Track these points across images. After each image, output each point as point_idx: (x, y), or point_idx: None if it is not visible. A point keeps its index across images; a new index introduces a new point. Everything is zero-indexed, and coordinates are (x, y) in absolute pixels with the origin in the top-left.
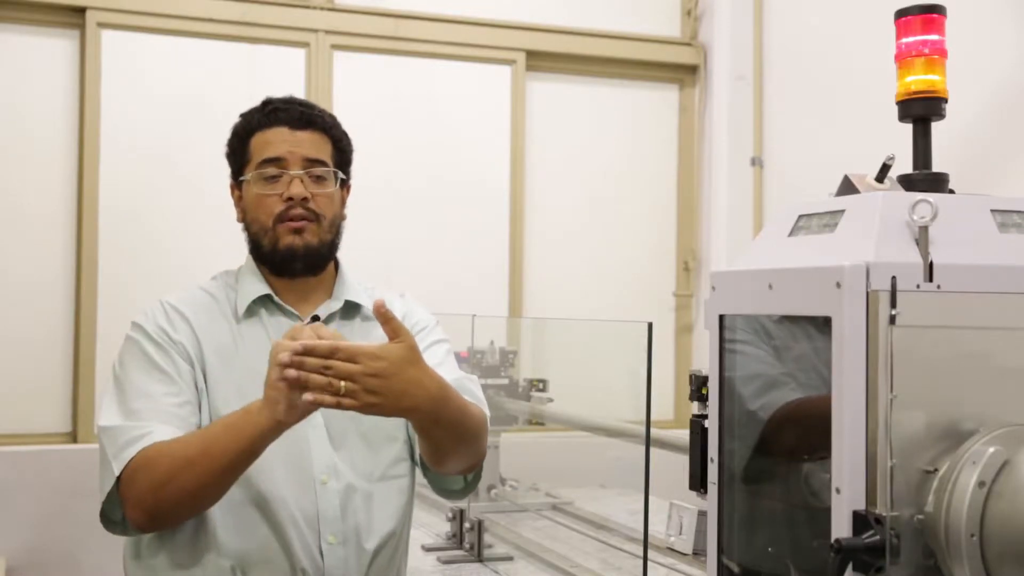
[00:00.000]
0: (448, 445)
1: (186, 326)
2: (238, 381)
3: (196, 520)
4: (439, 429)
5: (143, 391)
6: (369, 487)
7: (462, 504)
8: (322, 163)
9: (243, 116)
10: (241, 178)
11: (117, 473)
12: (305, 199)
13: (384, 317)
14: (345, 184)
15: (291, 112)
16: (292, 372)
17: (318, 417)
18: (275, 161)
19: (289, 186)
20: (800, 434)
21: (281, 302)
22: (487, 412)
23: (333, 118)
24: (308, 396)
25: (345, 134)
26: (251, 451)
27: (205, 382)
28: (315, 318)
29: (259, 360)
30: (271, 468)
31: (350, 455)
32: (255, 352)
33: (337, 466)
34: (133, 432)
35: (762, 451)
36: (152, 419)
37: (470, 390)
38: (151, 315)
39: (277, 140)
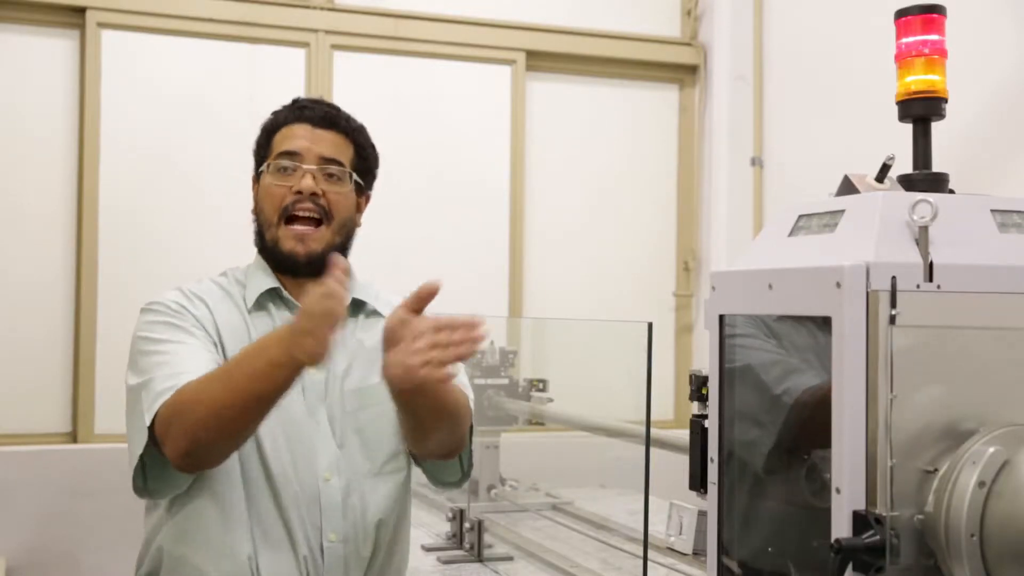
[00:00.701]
0: (429, 419)
1: (204, 307)
2: None
3: (219, 507)
4: (421, 397)
5: (166, 343)
6: (368, 483)
7: (462, 504)
8: (338, 163)
9: (273, 113)
10: (259, 170)
11: (148, 422)
12: (315, 195)
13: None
14: (363, 192)
15: (316, 111)
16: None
17: (321, 414)
18: (291, 155)
19: (301, 180)
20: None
21: (289, 297)
22: (471, 396)
23: (360, 126)
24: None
25: (371, 144)
26: (270, 388)
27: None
28: None
29: None
30: (280, 463)
31: (350, 452)
32: None
33: (340, 463)
34: (164, 383)
35: (788, 437)
36: (179, 365)
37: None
38: (167, 295)
39: (297, 135)
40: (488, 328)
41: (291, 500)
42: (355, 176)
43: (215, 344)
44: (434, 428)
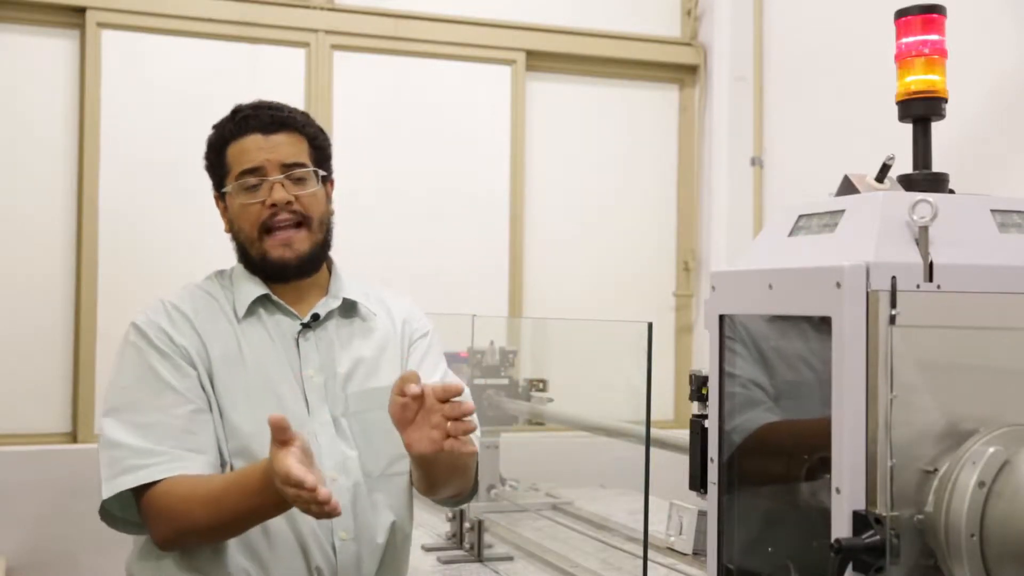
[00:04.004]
0: (443, 476)
1: (189, 328)
2: (245, 385)
3: None
4: (438, 465)
5: (150, 405)
6: (374, 483)
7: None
8: (300, 165)
9: (215, 128)
10: (223, 190)
11: (105, 497)
12: (289, 203)
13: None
14: (328, 179)
15: (261, 117)
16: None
17: (326, 415)
18: (253, 171)
19: (271, 192)
20: (763, 460)
21: (280, 301)
22: (479, 433)
23: (306, 116)
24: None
25: (320, 130)
26: (266, 517)
27: (212, 387)
28: (315, 316)
29: (264, 362)
30: None
31: (356, 452)
32: (260, 354)
33: (346, 463)
34: (135, 459)
35: (731, 471)
36: (162, 440)
37: None
38: (152, 317)
39: (252, 148)
40: (465, 391)
41: None
42: (319, 172)
43: (199, 377)
44: (447, 483)
